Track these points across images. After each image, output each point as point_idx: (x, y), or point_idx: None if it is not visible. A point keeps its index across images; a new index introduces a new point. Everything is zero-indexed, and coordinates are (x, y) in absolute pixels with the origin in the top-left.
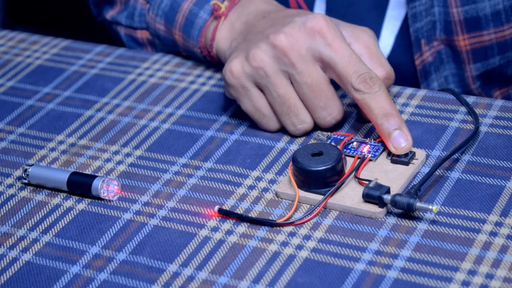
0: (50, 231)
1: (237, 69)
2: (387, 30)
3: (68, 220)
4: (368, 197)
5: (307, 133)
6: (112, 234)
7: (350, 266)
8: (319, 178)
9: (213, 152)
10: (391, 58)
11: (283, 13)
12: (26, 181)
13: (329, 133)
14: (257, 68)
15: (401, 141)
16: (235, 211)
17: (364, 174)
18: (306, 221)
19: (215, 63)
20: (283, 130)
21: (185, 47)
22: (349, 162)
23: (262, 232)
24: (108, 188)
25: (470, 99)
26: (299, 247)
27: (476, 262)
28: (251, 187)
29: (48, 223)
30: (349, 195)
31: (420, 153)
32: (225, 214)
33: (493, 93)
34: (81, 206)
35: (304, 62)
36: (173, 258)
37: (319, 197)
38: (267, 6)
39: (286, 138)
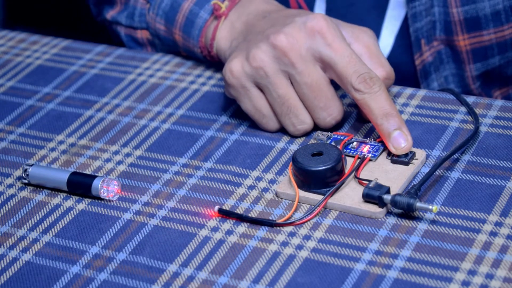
0: (50, 231)
1: (237, 69)
2: (387, 30)
3: (68, 220)
4: (368, 197)
5: (307, 134)
6: (112, 234)
7: (350, 266)
8: (319, 178)
9: (213, 152)
10: (391, 58)
11: (283, 13)
12: (26, 181)
13: (329, 133)
14: (257, 68)
15: (401, 141)
16: (235, 211)
17: (364, 174)
18: (306, 221)
19: (215, 63)
20: (283, 130)
21: (185, 47)
22: (349, 162)
23: (262, 232)
24: (108, 188)
25: (470, 99)
26: (299, 247)
27: (476, 262)
28: (251, 187)
29: (48, 223)
30: (349, 195)
31: (420, 153)
32: (225, 214)
33: (493, 93)
34: (81, 206)
35: (304, 63)
36: (173, 258)
37: (319, 197)
38: (267, 6)
39: (286, 138)
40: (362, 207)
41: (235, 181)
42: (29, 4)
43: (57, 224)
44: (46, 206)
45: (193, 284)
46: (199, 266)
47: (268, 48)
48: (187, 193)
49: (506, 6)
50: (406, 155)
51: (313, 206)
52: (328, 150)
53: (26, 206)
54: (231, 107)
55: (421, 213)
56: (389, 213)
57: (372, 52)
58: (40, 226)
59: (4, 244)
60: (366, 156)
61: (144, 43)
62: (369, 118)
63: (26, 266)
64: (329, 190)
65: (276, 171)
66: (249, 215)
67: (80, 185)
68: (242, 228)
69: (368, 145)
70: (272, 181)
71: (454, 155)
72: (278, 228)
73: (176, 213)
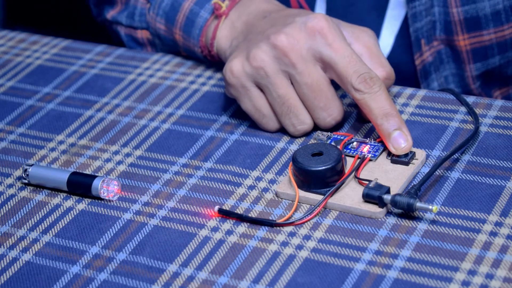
0: (50, 231)
1: (237, 69)
2: (387, 30)
3: (68, 220)
4: (368, 197)
5: (307, 134)
6: (112, 234)
7: (350, 266)
8: (319, 178)
9: (213, 152)
10: (391, 58)
11: (283, 13)
12: (26, 181)
13: (329, 133)
14: (258, 68)
15: (401, 141)
16: (235, 211)
17: (364, 174)
18: (306, 221)
19: (215, 63)
20: (283, 130)
21: (186, 46)
22: (349, 162)
23: (262, 232)
24: (108, 188)
25: (470, 99)
26: (299, 247)
27: (476, 262)
28: (251, 187)
29: (48, 223)
30: (349, 195)
31: (420, 153)
32: (225, 214)
33: (493, 93)
34: (81, 206)
35: (305, 63)
36: (173, 258)
37: (319, 197)
38: (268, 5)
39: (286, 138)
40: (362, 207)
41: (235, 181)
42: (29, 4)
43: (57, 224)
44: (46, 206)
45: (193, 284)
46: (199, 266)
47: (269, 48)
48: (187, 193)
49: (506, 6)
50: (406, 155)
51: (313, 206)
52: (328, 150)
53: (26, 206)
54: (231, 107)
55: (421, 213)
56: (389, 213)
57: (372, 52)
58: (40, 226)
59: (4, 244)
60: (366, 156)
61: (144, 43)
62: (369, 118)
63: (26, 266)
64: (329, 190)
65: (276, 171)
66: (249, 215)
67: (80, 185)
68: (242, 228)
69: (368, 145)
70: (272, 181)
71: (454, 155)
72: (278, 228)
73: (176, 213)
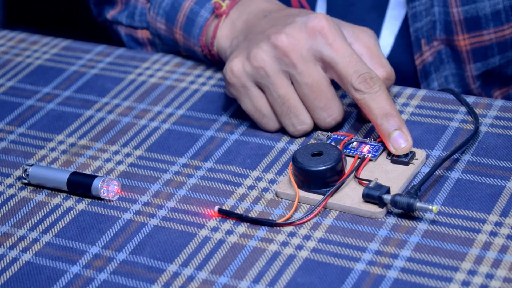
0: (50, 231)
1: (237, 68)
2: (387, 30)
3: (68, 220)
4: (368, 197)
5: (307, 134)
6: (112, 234)
7: (350, 266)
8: (319, 178)
9: (213, 152)
10: (391, 58)
11: (284, 12)
12: (26, 181)
13: (329, 133)
14: (258, 68)
15: (401, 141)
16: (235, 211)
17: (364, 174)
18: (306, 221)
19: (215, 62)
20: (283, 130)
21: (186, 46)
22: (349, 162)
23: (262, 232)
24: (108, 188)
25: (470, 99)
26: (299, 247)
27: (476, 262)
28: (251, 187)
29: (48, 223)
30: (349, 195)
31: (420, 153)
32: (225, 214)
33: (493, 93)
34: (81, 206)
35: (305, 63)
36: (173, 258)
37: (319, 197)
38: (268, 5)
39: (286, 138)
40: (362, 207)
41: (235, 181)
42: (29, 4)
43: (57, 224)
44: (46, 206)
45: (193, 284)
46: (199, 266)
47: (269, 48)
48: (187, 193)
49: (506, 6)
50: (406, 155)
51: (313, 206)
52: (328, 150)
53: (26, 206)
54: (231, 107)
55: (421, 213)
56: (389, 213)
57: (372, 52)
58: (40, 226)
59: (4, 244)
60: (366, 156)
61: (145, 42)
62: (369, 118)
63: (26, 266)
64: (329, 190)
65: (276, 171)
66: (249, 215)
67: (80, 185)
68: (242, 228)
69: (368, 145)
70: (272, 181)
71: (454, 155)
72: (278, 228)
73: (176, 213)
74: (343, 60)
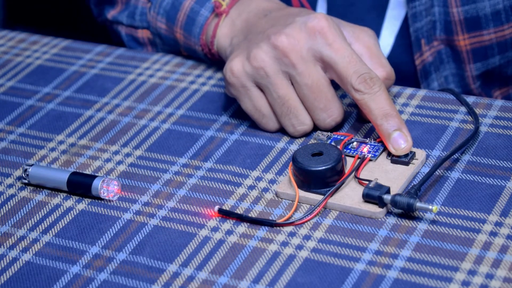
0: (50, 231)
1: (237, 69)
2: (387, 30)
3: (68, 220)
4: (368, 197)
5: (307, 134)
6: (112, 234)
7: (350, 266)
8: (319, 178)
9: (213, 152)
10: (391, 58)
11: (284, 12)
12: (26, 181)
13: (329, 133)
14: (258, 68)
15: (400, 142)
16: (235, 211)
17: (364, 174)
18: (306, 221)
19: (215, 62)
20: (283, 130)
21: (186, 45)
22: (349, 162)
23: (262, 232)
24: (108, 188)
25: (470, 99)
26: (299, 247)
27: (476, 262)
28: (251, 187)
29: (48, 223)
30: (349, 195)
31: (420, 153)
32: (225, 214)
33: (493, 93)
34: (81, 206)
35: (305, 63)
36: (173, 258)
37: (319, 197)
38: (268, 4)
39: (286, 138)
40: (362, 207)
41: (235, 181)
42: (29, 4)
43: (57, 224)
44: (46, 206)
45: (193, 284)
46: (199, 266)
47: (269, 48)
48: (187, 193)
49: (506, 6)
50: (406, 155)
51: (313, 206)
52: (328, 150)
53: (26, 206)
54: (231, 107)
55: (421, 213)
56: (389, 213)
57: (372, 52)
58: (40, 226)
59: (4, 244)
60: (366, 156)
61: (145, 42)
62: (369, 118)
63: (26, 266)
64: (329, 190)
65: (276, 171)
66: (249, 215)
67: (80, 185)
68: (242, 228)
69: (368, 145)
70: (272, 181)
71: (454, 155)
72: (278, 228)
73: (176, 213)
74: (343, 60)
